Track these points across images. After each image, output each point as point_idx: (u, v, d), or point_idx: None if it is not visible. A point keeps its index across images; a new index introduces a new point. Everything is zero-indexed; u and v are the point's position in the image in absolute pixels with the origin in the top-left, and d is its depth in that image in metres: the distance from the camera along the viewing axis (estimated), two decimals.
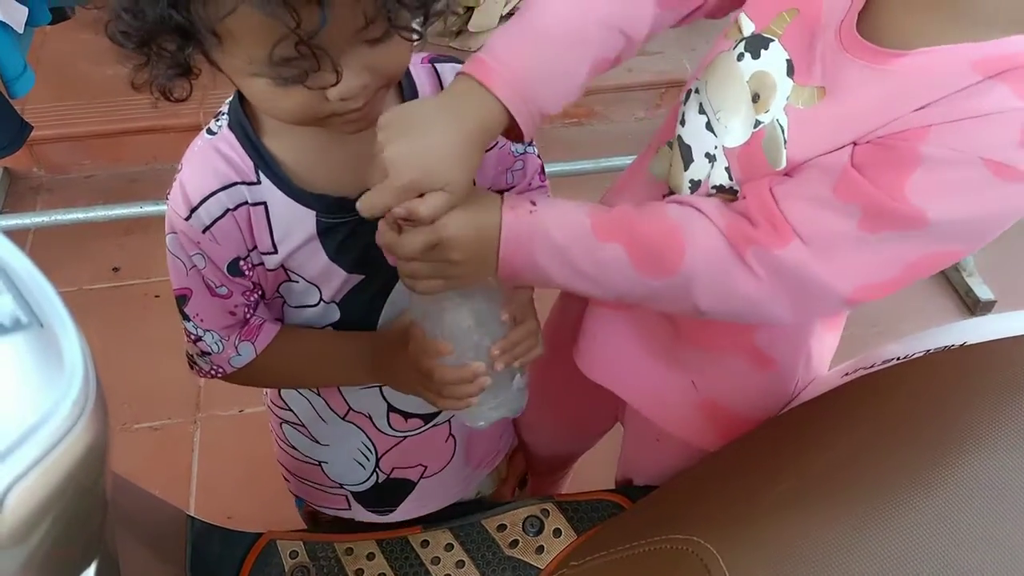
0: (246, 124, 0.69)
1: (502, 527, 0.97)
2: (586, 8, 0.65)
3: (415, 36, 0.62)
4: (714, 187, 0.71)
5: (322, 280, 0.76)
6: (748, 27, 0.68)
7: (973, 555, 0.53)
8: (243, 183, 0.69)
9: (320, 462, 0.97)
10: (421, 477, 0.98)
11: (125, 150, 2.11)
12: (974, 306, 1.88)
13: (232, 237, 0.70)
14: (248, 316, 0.77)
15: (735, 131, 0.68)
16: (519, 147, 0.81)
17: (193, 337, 0.76)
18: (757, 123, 0.66)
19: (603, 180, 1.76)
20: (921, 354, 0.71)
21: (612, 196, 0.87)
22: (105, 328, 1.73)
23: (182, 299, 0.74)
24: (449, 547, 0.96)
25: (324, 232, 0.72)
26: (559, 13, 0.65)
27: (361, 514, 1.01)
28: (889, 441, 0.65)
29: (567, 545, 0.95)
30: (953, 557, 0.53)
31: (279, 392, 0.92)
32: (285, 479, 1.05)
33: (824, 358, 0.86)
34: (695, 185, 0.72)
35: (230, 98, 0.71)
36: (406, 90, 0.73)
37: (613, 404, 1.03)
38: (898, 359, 0.73)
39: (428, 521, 0.99)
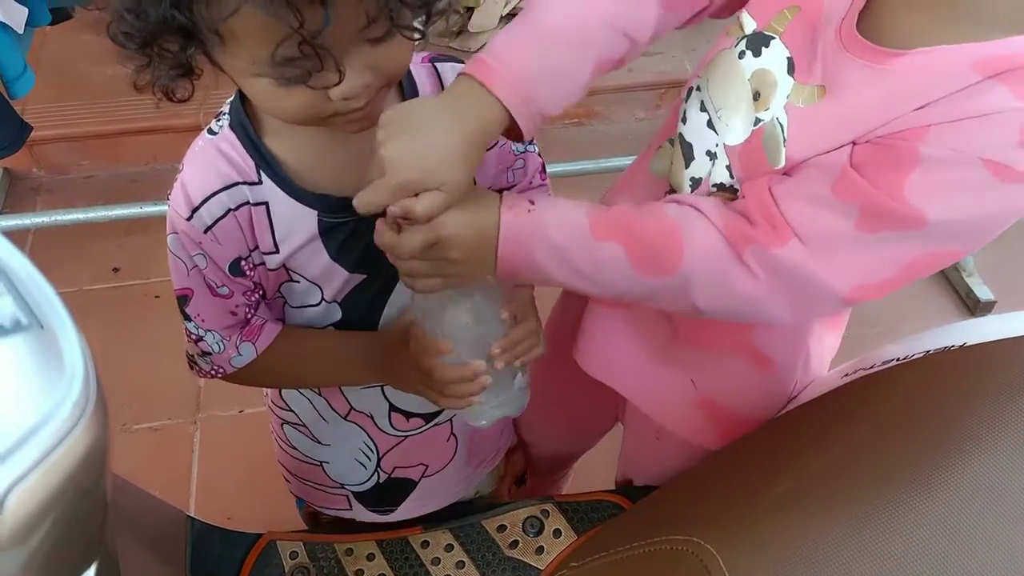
0: (247, 124, 0.69)
1: (502, 528, 0.97)
2: (589, 9, 0.65)
3: (417, 35, 0.62)
4: (715, 185, 0.71)
5: (324, 280, 0.76)
6: (750, 25, 0.68)
7: (974, 557, 0.53)
8: (244, 183, 0.69)
9: (321, 462, 0.97)
10: (422, 476, 0.98)
11: (125, 150, 2.11)
12: (974, 306, 1.88)
13: (233, 237, 0.70)
14: (249, 316, 0.77)
15: (736, 129, 0.68)
16: (520, 146, 0.81)
17: (194, 337, 0.76)
18: (757, 121, 0.66)
19: (603, 180, 1.76)
20: (921, 355, 0.71)
21: (613, 196, 0.87)
22: (105, 329, 1.73)
23: (183, 299, 0.74)
24: (449, 548, 0.96)
25: (326, 232, 0.72)
26: (562, 14, 0.64)
27: (362, 514, 1.01)
28: (889, 442, 0.65)
29: (567, 546, 0.95)
30: (954, 559, 0.53)
31: (280, 392, 0.92)
32: (286, 480, 1.05)
33: (824, 359, 0.86)
34: (696, 183, 0.72)
35: (231, 98, 0.71)
36: (406, 89, 0.73)
37: (613, 403, 1.03)
38: (898, 360, 0.73)
39: (428, 521, 0.99)
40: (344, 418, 0.90)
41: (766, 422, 0.84)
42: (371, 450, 0.93)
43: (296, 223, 0.71)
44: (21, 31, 1.40)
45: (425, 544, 0.96)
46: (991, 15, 0.57)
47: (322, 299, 0.77)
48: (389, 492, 0.99)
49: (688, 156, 0.73)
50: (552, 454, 1.25)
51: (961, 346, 0.69)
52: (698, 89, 0.72)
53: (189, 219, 0.69)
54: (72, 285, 1.85)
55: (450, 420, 0.93)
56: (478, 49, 0.64)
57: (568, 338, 0.94)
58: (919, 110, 0.58)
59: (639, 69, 2.27)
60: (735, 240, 0.63)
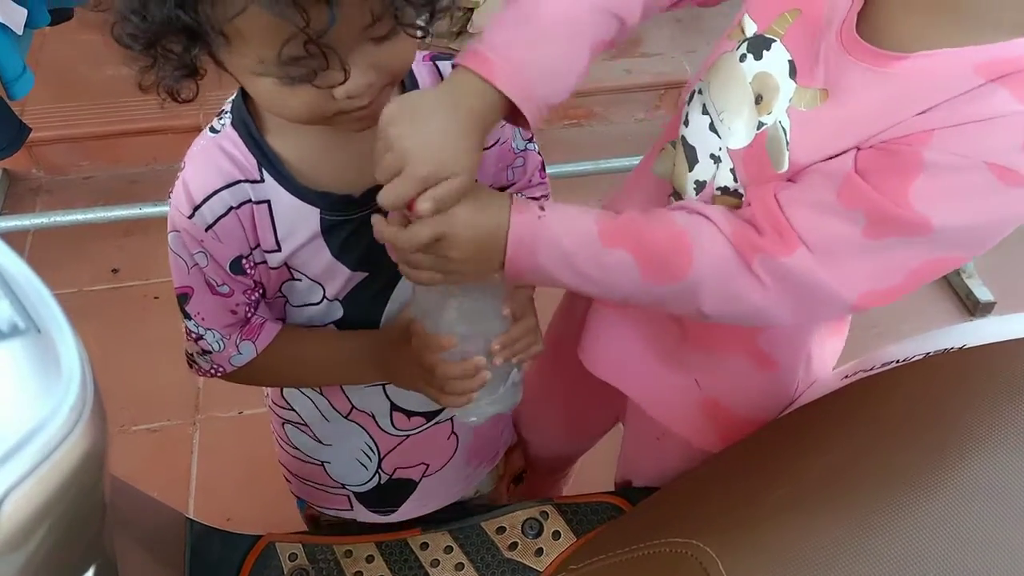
0: (249, 122, 0.69)
1: (501, 529, 0.97)
2: None
3: (420, 33, 0.62)
4: (719, 188, 0.71)
5: (325, 278, 0.76)
6: (751, 27, 0.68)
7: (976, 558, 0.53)
8: (246, 181, 0.69)
9: (322, 462, 0.97)
10: (423, 476, 0.98)
11: (124, 151, 2.11)
12: (974, 308, 1.89)
13: (235, 235, 0.70)
14: (249, 315, 0.77)
15: (738, 132, 0.68)
16: (520, 143, 0.81)
17: (194, 336, 0.76)
18: (760, 124, 0.66)
19: (603, 181, 1.78)
20: (921, 357, 0.71)
21: (617, 200, 0.87)
22: (104, 330, 1.73)
23: (183, 297, 0.74)
24: (448, 549, 0.96)
25: (328, 230, 0.72)
26: (553, 2, 0.64)
27: (363, 514, 1.01)
28: (889, 444, 0.65)
29: (566, 547, 0.95)
30: (956, 560, 0.53)
31: (281, 392, 0.92)
32: (287, 480, 1.05)
33: (826, 361, 0.86)
34: (700, 186, 0.72)
35: (232, 96, 0.71)
36: (408, 88, 0.73)
37: (614, 404, 1.03)
38: (897, 362, 0.73)
39: (428, 523, 0.99)
40: (346, 417, 0.90)
41: (766, 424, 0.84)
42: (372, 451, 0.93)
43: (298, 221, 0.71)
44: (20, 32, 1.40)
45: (424, 546, 0.96)
46: (992, 18, 0.57)
47: (324, 297, 0.77)
48: (390, 493, 0.99)
49: (692, 159, 0.73)
50: (552, 454, 1.25)
51: (961, 348, 0.69)
52: (700, 92, 0.72)
53: (190, 217, 0.69)
54: (71, 286, 1.84)
55: (451, 419, 0.93)
56: None
57: (571, 338, 0.94)
58: (922, 114, 0.58)
59: (638, 70, 2.27)
60: (743, 249, 0.63)
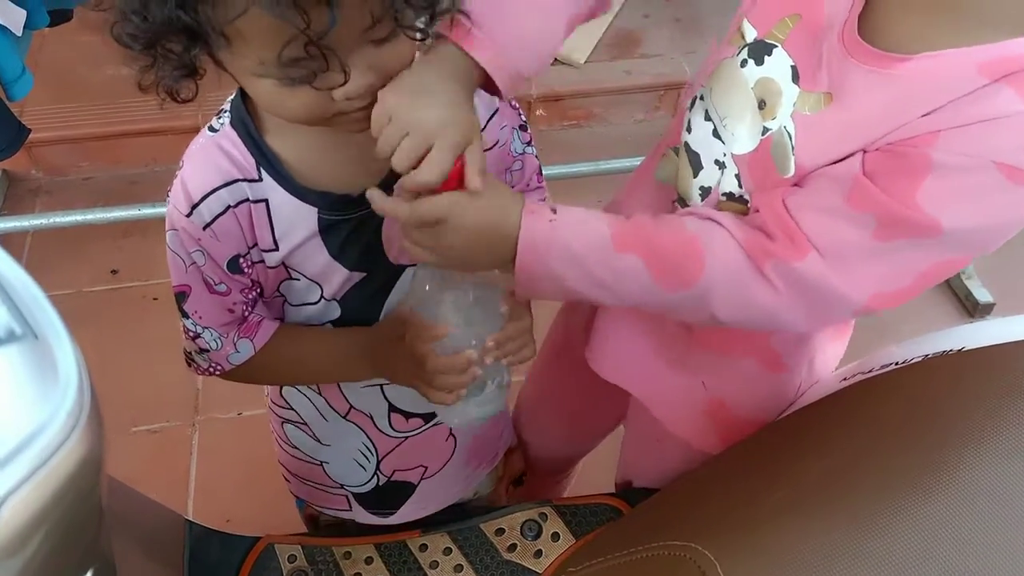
0: (248, 121, 0.69)
1: (500, 531, 0.97)
2: None
3: (420, 35, 0.62)
4: (724, 194, 0.71)
5: (323, 278, 0.76)
6: (751, 33, 0.68)
7: (977, 560, 0.53)
8: (245, 180, 0.69)
9: (322, 462, 0.97)
10: (421, 479, 0.98)
11: (124, 152, 2.11)
12: (973, 309, 1.89)
13: (232, 234, 0.70)
14: (246, 314, 0.77)
15: (742, 138, 0.68)
16: (519, 147, 0.81)
17: (192, 334, 0.76)
18: (765, 130, 0.66)
19: (602, 182, 1.77)
20: (920, 359, 0.71)
21: (620, 205, 0.87)
22: (103, 331, 1.73)
23: (181, 296, 0.74)
24: (447, 551, 0.96)
25: (326, 229, 0.72)
26: None
27: (362, 515, 1.01)
28: (888, 446, 0.65)
29: (565, 549, 0.95)
30: (956, 563, 0.53)
31: (280, 391, 0.92)
32: (286, 479, 1.05)
33: (829, 363, 0.87)
34: (705, 192, 0.73)
35: (231, 96, 0.71)
36: None
37: (617, 405, 1.03)
38: (896, 364, 0.73)
39: (427, 524, 0.99)
40: (344, 417, 0.90)
41: (766, 426, 0.84)
42: (370, 452, 0.93)
43: (296, 221, 0.71)
44: (19, 33, 1.40)
45: (423, 547, 0.96)
46: (993, 17, 0.56)
47: (321, 297, 0.77)
48: (388, 495, 0.99)
49: (696, 166, 0.73)
50: (552, 455, 1.25)
51: (960, 350, 0.69)
52: (701, 98, 0.72)
53: (188, 215, 0.69)
54: (70, 287, 1.84)
55: None
56: None
57: (574, 340, 0.94)
58: (927, 115, 0.58)
59: (637, 71, 2.27)
60: (755, 254, 0.63)
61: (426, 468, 0.97)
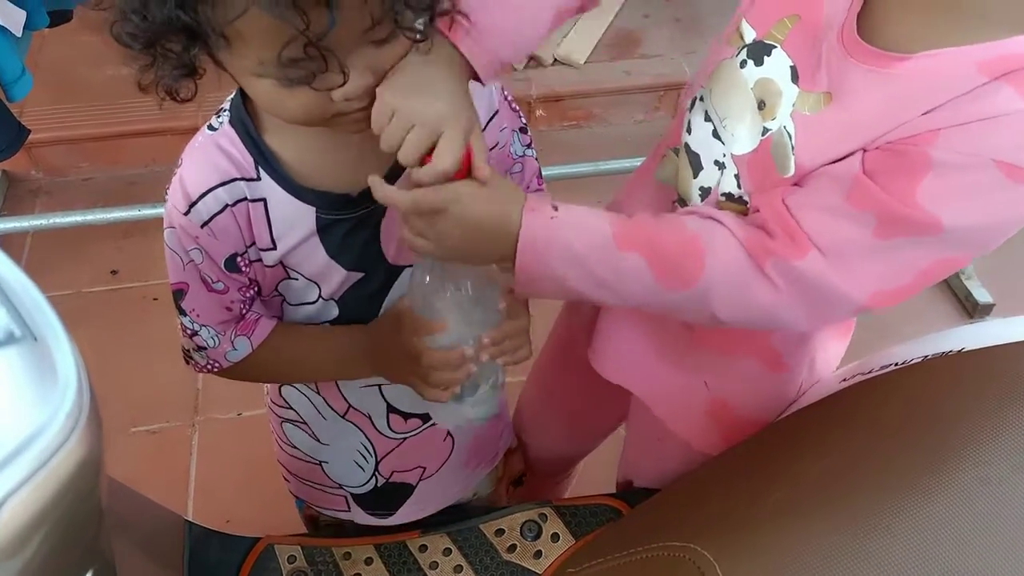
0: (247, 121, 0.69)
1: (500, 532, 0.97)
2: None
3: (419, 36, 0.62)
4: (723, 195, 0.71)
5: (321, 277, 0.76)
6: (749, 34, 0.68)
7: (977, 561, 0.53)
8: (243, 179, 0.69)
9: (321, 462, 0.97)
10: (420, 480, 0.98)
11: (123, 153, 2.11)
12: (973, 309, 1.88)
13: (230, 233, 0.70)
14: (244, 312, 0.77)
15: (742, 138, 0.68)
16: (519, 149, 0.81)
17: (189, 332, 0.76)
18: (765, 131, 0.66)
19: (602, 183, 1.77)
20: (919, 360, 0.71)
21: (620, 205, 0.87)
22: (103, 331, 1.73)
23: (179, 294, 0.74)
24: (447, 552, 0.96)
25: (324, 229, 0.72)
26: None
27: (360, 516, 1.01)
28: (888, 447, 0.65)
29: (565, 550, 0.95)
30: (956, 563, 0.53)
31: (280, 390, 0.92)
32: (285, 479, 1.05)
33: (829, 363, 0.87)
34: (705, 192, 0.73)
35: (231, 95, 0.71)
36: None
37: (619, 405, 1.03)
38: (896, 365, 0.73)
39: (426, 525, 0.99)
40: (342, 417, 0.90)
41: (766, 426, 0.84)
42: (369, 452, 0.93)
43: (294, 220, 0.72)
44: (19, 34, 1.40)
45: (423, 548, 0.96)
46: (992, 16, 0.57)
47: (320, 297, 0.77)
48: (387, 496, 0.99)
49: (696, 166, 0.73)
50: (553, 456, 1.25)
51: (959, 351, 0.69)
52: (701, 99, 0.73)
53: (186, 213, 0.69)
54: (70, 287, 1.84)
55: None
56: None
57: (576, 340, 0.94)
58: (927, 114, 0.58)
59: (637, 72, 2.27)
60: (756, 252, 0.63)
61: (424, 469, 0.97)
